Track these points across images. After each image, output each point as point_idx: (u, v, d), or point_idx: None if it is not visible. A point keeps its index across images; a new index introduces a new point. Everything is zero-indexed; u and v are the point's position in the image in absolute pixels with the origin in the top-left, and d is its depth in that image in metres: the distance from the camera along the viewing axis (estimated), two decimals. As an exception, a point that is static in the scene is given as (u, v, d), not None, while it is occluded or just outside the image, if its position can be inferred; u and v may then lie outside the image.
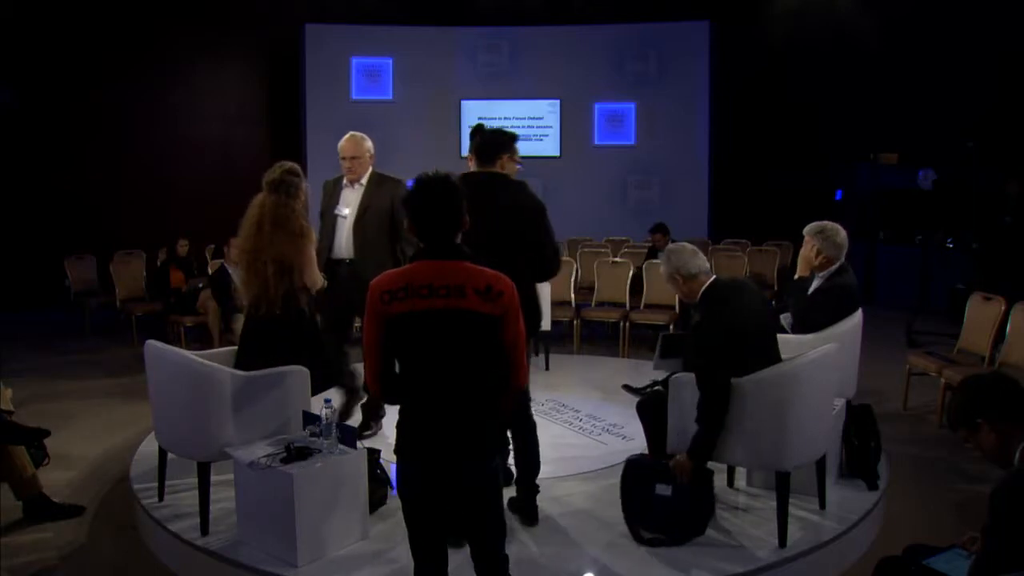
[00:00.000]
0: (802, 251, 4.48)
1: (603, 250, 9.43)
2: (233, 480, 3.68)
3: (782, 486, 3.53)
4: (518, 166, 3.76)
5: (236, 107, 12.47)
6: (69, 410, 6.18)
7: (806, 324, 4.35)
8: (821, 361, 3.57)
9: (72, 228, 10.69)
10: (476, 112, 12.52)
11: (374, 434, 5.13)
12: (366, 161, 4.81)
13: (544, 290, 6.97)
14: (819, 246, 4.35)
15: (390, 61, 12.69)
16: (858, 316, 4.42)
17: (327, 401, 3.63)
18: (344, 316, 4.90)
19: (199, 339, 8.14)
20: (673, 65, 12.53)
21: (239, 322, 7.05)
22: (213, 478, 3.75)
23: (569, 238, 10.70)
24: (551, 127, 12.78)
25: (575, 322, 8.07)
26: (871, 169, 11.02)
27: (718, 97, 12.51)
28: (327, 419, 3.54)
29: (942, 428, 5.56)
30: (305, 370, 3.87)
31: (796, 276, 4.62)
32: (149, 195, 11.42)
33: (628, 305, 8.08)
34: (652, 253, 8.87)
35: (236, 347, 4.27)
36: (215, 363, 3.82)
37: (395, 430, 2.58)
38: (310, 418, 3.66)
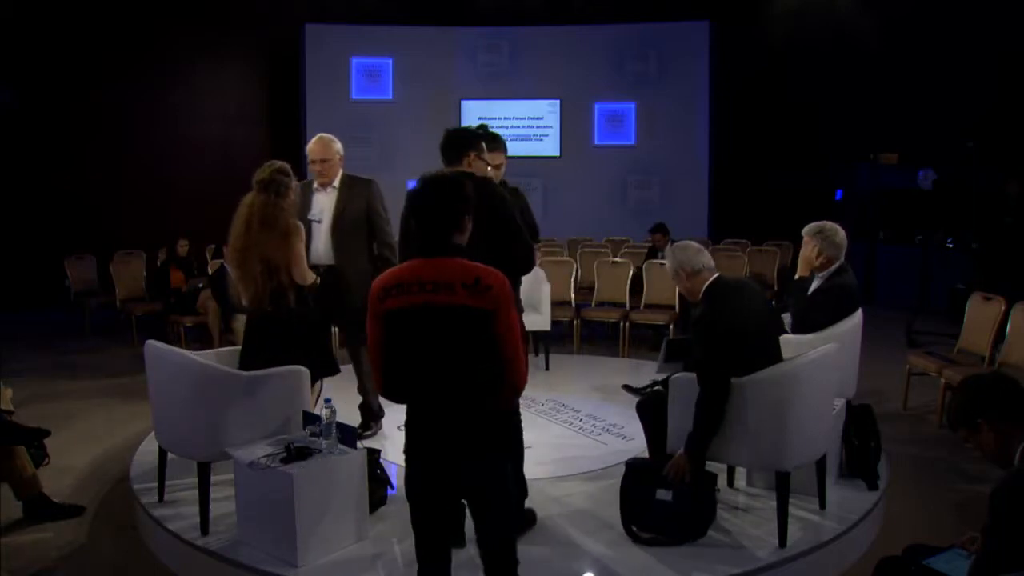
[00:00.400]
0: (802, 252, 4.48)
1: (603, 250, 9.43)
2: (233, 480, 3.67)
3: (782, 486, 3.53)
4: (487, 167, 3.70)
5: (236, 107, 12.48)
6: (69, 410, 6.18)
7: (806, 324, 4.35)
8: (821, 361, 3.57)
9: (72, 228, 10.70)
10: (476, 112, 12.53)
11: (373, 434, 5.13)
12: (336, 164, 4.75)
13: (544, 289, 6.98)
14: (819, 246, 4.36)
15: (390, 61, 12.69)
16: (858, 316, 4.42)
17: (327, 401, 3.62)
18: (325, 322, 4.84)
19: (199, 339, 8.14)
20: (673, 65, 12.54)
21: (239, 322, 7.08)
22: (213, 478, 3.75)
23: (569, 238, 10.71)
24: (551, 127, 12.79)
25: (575, 322, 8.06)
26: (871, 169, 11.02)
27: (718, 97, 12.51)
28: (327, 419, 3.54)
29: (942, 428, 5.56)
30: (305, 370, 3.87)
31: (796, 276, 4.62)
32: (149, 195, 11.42)
33: (628, 305, 8.08)
34: (652, 253, 8.88)
35: (236, 347, 4.28)
36: (215, 363, 3.83)
37: (403, 429, 2.59)
38: (310, 418, 3.66)
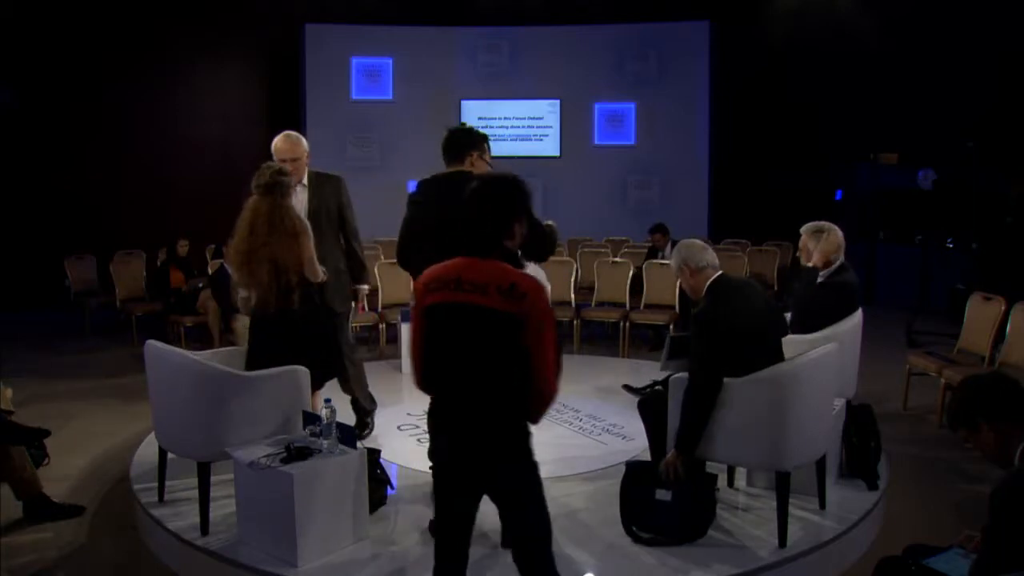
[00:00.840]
0: (802, 247, 4.51)
1: (603, 250, 9.43)
2: (233, 480, 3.67)
3: (782, 486, 3.53)
4: (488, 167, 3.71)
5: (236, 107, 12.47)
6: (69, 410, 6.18)
7: (807, 318, 4.36)
8: (821, 361, 3.58)
9: (72, 228, 10.70)
10: (476, 112, 12.53)
11: (371, 431, 5.14)
12: (304, 162, 4.75)
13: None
14: (818, 245, 4.38)
15: (390, 61, 12.69)
16: (858, 316, 4.43)
17: (327, 401, 3.63)
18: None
19: (199, 339, 8.14)
20: (673, 65, 12.54)
21: (239, 322, 7.09)
22: (213, 478, 3.75)
23: (569, 238, 10.70)
24: (551, 127, 12.78)
25: (575, 322, 8.07)
26: (871, 169, 11.02)
27: (718, 97, 12.51)
28: (327, 419, 3.54)
29: (942, 428, 5.56)
30: (305, 370, 3.87)
31: (808, 264, 4.60)
32: (149, 195, 11.42)
33: (628, 305, 8.08)
34: (652, 253, 8.88)
35: (236, 347, 4.29)
36: (215, 363, 3.83)
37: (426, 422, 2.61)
38: (310, 418, 3.66)
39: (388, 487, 4.10)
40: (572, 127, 12.70)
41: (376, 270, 7.97)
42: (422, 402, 3.93)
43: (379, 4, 12.20)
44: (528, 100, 12.74)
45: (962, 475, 4.83)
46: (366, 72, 12.72)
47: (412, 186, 4.06)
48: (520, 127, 12.79)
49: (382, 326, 7.96)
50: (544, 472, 4.10)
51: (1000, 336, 5.56)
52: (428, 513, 3.81)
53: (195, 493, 3.76)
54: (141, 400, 5.17)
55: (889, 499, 4.24)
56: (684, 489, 3.56)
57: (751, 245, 10.25)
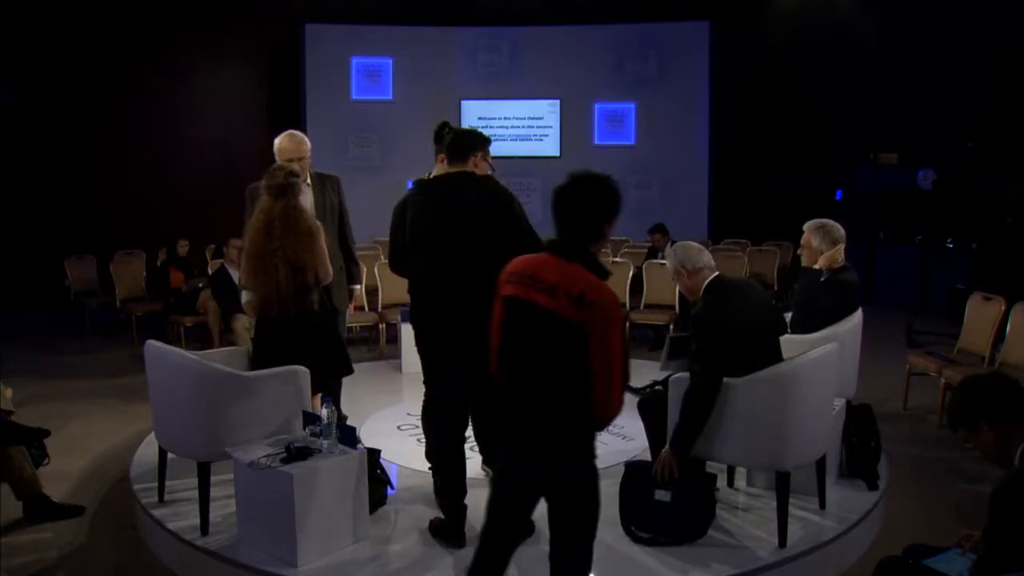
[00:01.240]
0: (804, 245, 4.51)
1: (603, 250, 9.40)
2: (233, 480, 3.67)
3: (782, 486, 3.53)
4: (491, 169, 3.71)
5: (236, 107, 12.47)
6: (69, 410, 6.18)
7: (808, 317, 4.36)
8: (821, 361, 3.58)
9: (72, 228, 10.70)
10: (476, 112, 12.53)
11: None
12: (308, 161, 4.74)
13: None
14: (819, 246, 4.38)
15: (390, 61, 12.69)
16: (858, 316, 4.43)
17: (327, 400, 3.63)
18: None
19: (199, 339, 8.15)
20: (673, 65, 12.54)
21: (239, 322, 7.11)
22: (213, 478, 3.75)
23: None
24: (551, 127, 12.78)
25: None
26: (871, 169, 11.02)
27: (718, 97, 12.51)
28: (327, 419, 3.54)
29: (942, 428, 5.56)
30: (305, 370, 3.87)
31: (812, 266, 4.60)
32: (149, 195, 11.42)
33: (628, 305, 8.07)
34: (652, 253, 8.88)
35: (236, 347, 4.28)
36: (215, 363, 3.83)
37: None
38: (310, 418, 3.66)
39: (388, 487, 4.10)
40: (572, 127, 12.69)
41: (376, 270, 7.97)
42: (421, 402, 3.96)
43: (379, 4, 12.20)
44: (528, 100, 12.73)
45: (962, 475, 4.83)
46: (366, 72, 12.72)
47: (411, 186, 4.06)
48: (520, 127, 12.79)
49: (382, 326, 7.95)
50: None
51: (1000, 336, 5.56)
52: (428, 513, 3.82)
53: (195, 493, 3.76)
54: (141, 400, 5.17)
55: (889, 499, 4.24)
56: (683, 489, 3.55)
57: (751, 245, 10.26)
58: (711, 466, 3.83)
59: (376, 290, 8.06)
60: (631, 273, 8.18)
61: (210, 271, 8.50)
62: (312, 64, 12.50)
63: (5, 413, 4.47)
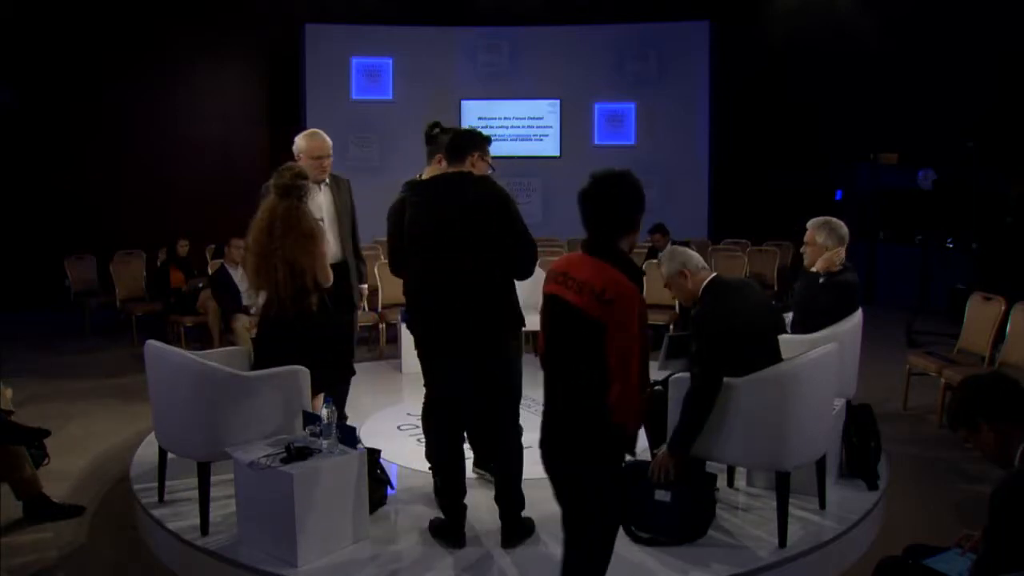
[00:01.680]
0: (808, 242, 4.51)
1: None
2: (233, 480, 3.67)
3: (782, 486, 3.53)
4: (489, 169, 3.70)
5: (236, 107, 12.47)
6: (69, 410, 6.18)
7: (808, 318, 4.36)
8: (821, 361, 3.57)
9: (72, 228, 10.70)
10: (476, 112, 12.53)
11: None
12: (331, 161, 4.77)
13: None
14: (825, 240, 4.39)
15: (390, 61, 12.69)
16: (858, 316, 4.43)
17: (327, 400, 3.62)
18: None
19: (199, 339, 8.14)
20: (673, 65, 12.54)
21: (239, 322, 7.11)
22: (213, 478, 3.75)
23: (569, 238, 10.70)
24: (551, 127, 12.78)
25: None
26: (871, 169, 11.02)
27: (718, 97, 12.51)
28: (327, 419, 3.54)
29: (942, 428, 5.56)
30: (305, 370, 3.87)
31: (811, 269, 4.60)
32: (149, 195, 11.42)
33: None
34: (652, 253, 8.88)
35: (236, 347, 4.28)
36: (215, 363, 3.83)
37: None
38: (310, 418, 3.66)
39: (388, 487, 4.10)
40: (572, 127, 12.69)
41: (376, 270, 7.97)
42: (422, 402, 3.96)
43: (379, 4, 12.20)
44: (528, 100, 12.73)
45: (962, 475, 4.83)
46: (366, 72, 12.72)
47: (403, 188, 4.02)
48: (520, 127, 12.78)
49: (382, 326, 7.95)
50: (544, 472, 4.10)
51: (1000, 336, 5.56)
52: (428, 513, 3.82)
53: (195, 493, 3.76)
54: (141, 400, 5.17)
55: (889, 499, 4.24)
56: (683, 489, 3.55)
57: (751, 245, 10.25)
58: (711, 466, 3.83)
59: (376, 290, 8.05)
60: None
61: (210, 271, 8.50)
62: (312, 64, 12.51)
63: (5, 413, 4.47)
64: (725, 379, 3.48)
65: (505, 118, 12.71)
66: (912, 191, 10.07)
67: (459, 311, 3.43)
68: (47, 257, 9.93)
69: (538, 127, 12.80)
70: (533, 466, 4.09)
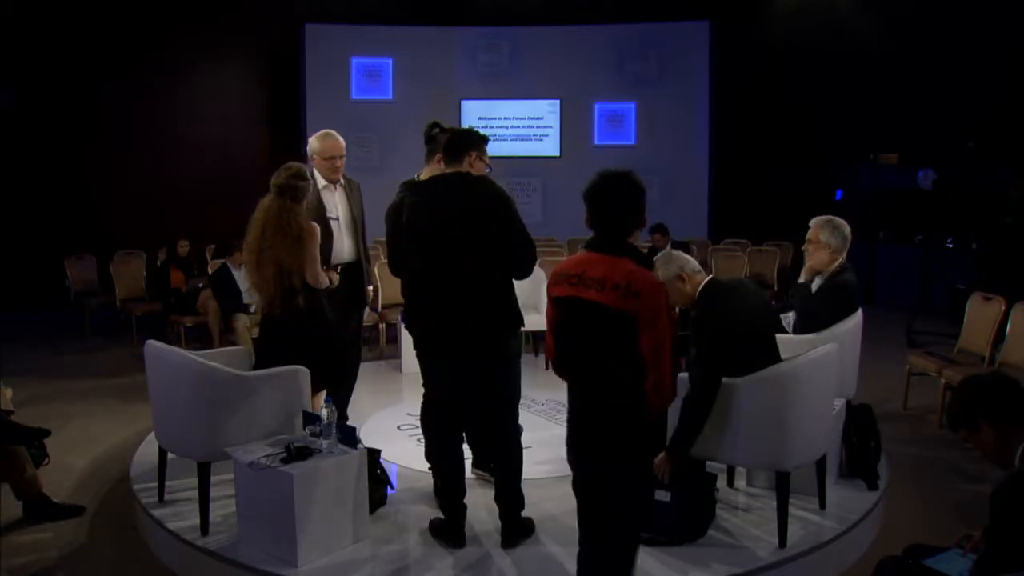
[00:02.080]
0: (810, 236, 4.51)
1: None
2: (233, 480, 3.67)
3: (782, 486, 3.53)
4: (487, 168, 3.69)
5: (236, 107, 12.48)
6: (69, 410, 6.18)
7: (807, 322, 4.36)
8: (821, 361, 3.57)
9: (72, 228, 10.71)
10: (476, 112, 12.54)
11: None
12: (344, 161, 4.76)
13: (544, 289, 6.95)
14: (829, 239, 4.39)
15: (390, 61, 12.69)
16: (858, 316, 4.42)
17: (327, 400, 3.63)
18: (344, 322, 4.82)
19: (199, 339, 8.14)
20: (673, 65, 12.54)
21: (239, 322, 7.11)
22: (213, 478, 3.75)
23: (569, 238, 10.70)
24: (551, 127, 12.79)
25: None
26: (871, 169, 11.02)
27: (718, 97, 12.51)
28: (327, 419, 3.54)
29: (942, 428, 5.56)
30: (305, 370, 3.87)
31: (799, 280, 4.61)
32: (149, 195, 11.43)
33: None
34: (652, 253, 8.85)
35: (236, 347, 4.28)
36: (215, 363, 3.83)
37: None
38: (310, 418, 3.66)
39: (388, 487, 4.10)
40: (572, 127, 12.70)
41: (376, 270, 7.97)
42: (421, 402, 3.96)
43: (379, 4, 12.20)
44: (528, 100, 12.74)
45: (962, 475, 4.83)
46: (366, 72, 12.72)
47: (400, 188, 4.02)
48: (520, 127, 12.79)
49: (382, 326, 7.95)
50: (544, 472, 4.12)
51: (1000, 336, 5.56)
52: (428, 513, 3.82)
53: (195, 493, 3.76)
54: (141, 400, 5.17)
55: (889, 499, 4.24)
56: (683, 489, 3.55)
57: (751, 245, 10.25)
58: (711, 466, 3.83)
59: (376, 290, 8.05)
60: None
61: (210, 271, 8.50)
62: (312, 64, 12.51)
63: (5, 413, 4.47)
64: (725, 379, 3.48)
65: (505, 118, 12.72)
66: (912, 191, 10.07)
67: (458, 311, 3.43)
68: (47, 257, 9.94)
69: (538, 127, 12.81)
70: (533, 466, 4.12)
